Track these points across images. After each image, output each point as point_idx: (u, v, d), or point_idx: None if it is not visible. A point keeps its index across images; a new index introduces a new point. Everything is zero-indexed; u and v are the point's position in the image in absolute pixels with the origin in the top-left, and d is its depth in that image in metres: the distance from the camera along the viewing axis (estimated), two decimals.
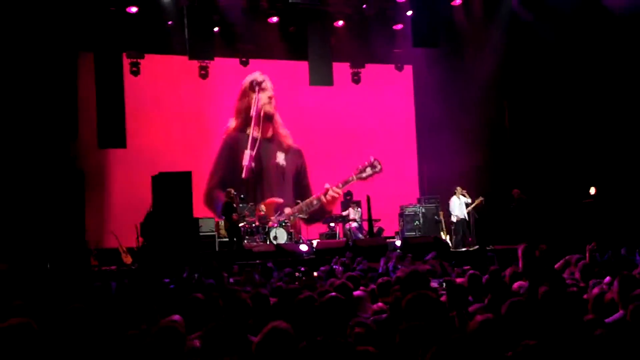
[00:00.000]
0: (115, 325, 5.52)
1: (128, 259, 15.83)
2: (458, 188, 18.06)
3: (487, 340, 4.15)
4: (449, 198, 18.05)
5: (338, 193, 19.28)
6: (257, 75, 20.20)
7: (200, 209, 17.42)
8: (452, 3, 19.03)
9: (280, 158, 20.29)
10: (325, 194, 19.34)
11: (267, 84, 20.38)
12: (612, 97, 17.46)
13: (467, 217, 17.91)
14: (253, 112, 20.09)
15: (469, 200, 17.87)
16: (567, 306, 4.86)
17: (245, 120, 20.07)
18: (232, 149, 19.88)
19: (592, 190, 17.04)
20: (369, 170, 18.41)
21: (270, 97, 20.35)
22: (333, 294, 5.07)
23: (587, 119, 17.82)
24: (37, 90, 15.71)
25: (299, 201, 19.48)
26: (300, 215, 19.06)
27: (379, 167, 18.44)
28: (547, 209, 17.39)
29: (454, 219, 17.96)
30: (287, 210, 19.21)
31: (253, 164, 19.82)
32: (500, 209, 17.90)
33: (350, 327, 4.92)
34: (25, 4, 15.11)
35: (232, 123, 20.00)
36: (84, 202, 16.24)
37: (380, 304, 6.21)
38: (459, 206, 17.94)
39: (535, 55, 18.55)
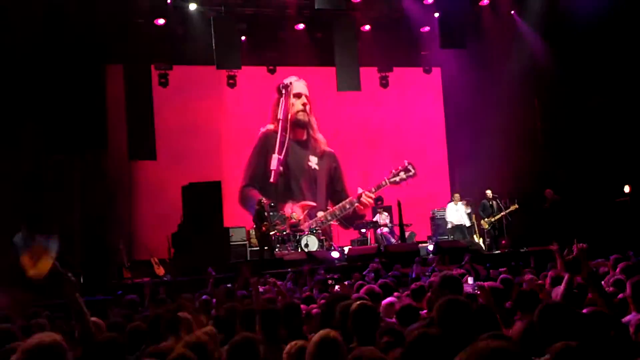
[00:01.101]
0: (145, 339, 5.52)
1: (160, 271, 15.89)
2: (456, 195, 18.26)
3: (529, 346, 4.11)
4: (480, 201, 17.94)
5: (371, 197, 19.11)
6: (291, 78, 20.19)
7: (231, 218, 17.44)
8: (480, 3, 18.92)
9: (313, 162, 20.23)
10: (358, 199, 19.19)
11: (300, 89, 20.30)
12: None
13: (465, 222, 17.99)
14: (280, 116, 20.07)
15: (469, 210, 18.01)
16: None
17: (276, 123, 20.09)
18: (264, 150, 19.88)
19: (627, 189, 16.79)
20: (402, 175, 18.19)
21: (304, 104, 20.29)
22: (362, 301, 5.03)
23: (620, 116, 17.57)
24: (67, 103, 15.82)
25: (328, 204, 19.40)
26: (333, 220, 18.97)
27: (413, 171, 18.19)
28: (580, 208, 17.16)
29: (449, 225, 18.05)
30: (320, 214, 19.13)
31: (281, 168, 19.79)
32: (534, 209, 17.71)
33: (379, 335, 4.87)
34: (54, 17, 15.21)
35: (270, 126, 20.04)
36: (116, 214, 16.37)
37: None
38: (455, 212, 18.05)
39: (565, 52, 18.33)
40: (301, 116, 20.22)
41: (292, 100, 20.18)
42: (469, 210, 17.97)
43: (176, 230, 15.71)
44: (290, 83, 20.11)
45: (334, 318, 5.36)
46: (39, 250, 4.95)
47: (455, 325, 3.91)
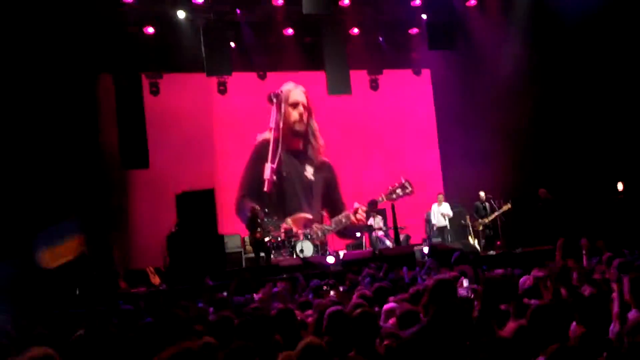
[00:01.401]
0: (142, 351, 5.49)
1: (156, 280, 15.82)
2: (440, 196, 18.56)
3: (522, 347, 4.12)
4: (474, 202, 17.98)
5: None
6: (288, 85, 20.19)
7: (225, 225, 17.39)
8: (467, 4, 18.95)
9: (309, 172, 20.20)
10: (355, 213, 19.08)
11: (297, 97, 20.27)
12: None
13: (444, 224, 18.35)
14: (272, 124, 20.03)
15: (450, 213, 18.28)
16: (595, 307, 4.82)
17: (269, 133, 20.07)
18: (259, 160, 19.84)
19: (620, 186, 16.83)
20: (399, 191, 18.17)
21: (301, 114, 20.25)
22: (363, 308, 5.03)
23: (612, 114, 17.63)
24: (58, 113, 15.79)
25: (323, 212, 19.31)
26: (328, 234, 18.91)
27: (409, 188, 18.17)
28: (574, 207, 17.18)
29: (434, 227, 18.38)
30: (316, 226, 18.97)
31: (274, 177, 19.74)
32: (527, 210, 17.72)
33: (380, 339, 4.87)
34: (44, 27, 15.19)
35: (267, 134, 20.00)
36: (109, 223, 16.32)
37: None
38: (436, 213, 18.39)
39: (557, 52, 18.37)
40: (298, 127, 20.15)
41: (289, 109, 20.12)
42: (449, 214, 18.17)
43: (167, 239, 15.73)
44: (281, 91, 20.06)
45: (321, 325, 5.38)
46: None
47: (450, 330, 3.92)
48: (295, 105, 20.17)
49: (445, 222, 18.26)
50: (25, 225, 14.52)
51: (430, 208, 18.92)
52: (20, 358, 3.48)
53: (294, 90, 20.23)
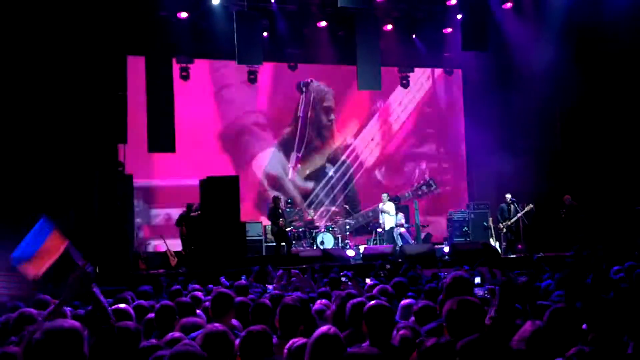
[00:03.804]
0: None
1: (175, 262, 15.94)
2: (384, 195, 18.20)
3: (539, 349, 4.09)
4: (498, 204, 17.88)
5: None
6: (320, 85, 20.40)
7: (247, 213, 17.49)
8: (503, 6, 18.83)
9: (330, 170, 20.33)
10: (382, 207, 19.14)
11: (330, 104, 20.53)
12: None
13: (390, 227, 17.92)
14: (300, 113, 20.14)
15: (383, 210, 17.85)
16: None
17: (296, 122, 20.15)
18: (284, 153, 19.97)
19: None
20: (424, 189, 18.26)
21: (331, 121, 20.46)
22: (377, 300, 5.02)
23: None
24: (88, 94, 15.88)
25: (346, 206, 19.33)
26: (355, 227, 18.93)
27: (434, 186, 18.26)
28: (598, 215, 17.04)
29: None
30: (340, 221, 18.98)
31: (299, 166, 19.85)
32: (551, 215, 17.61)
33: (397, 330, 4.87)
34: (77, 9, 15.29)
35: (289, 128, 20.14)
36: (132, 205, 16.41)
37: None
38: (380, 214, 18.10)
39: (589, 58, 18.20)
40: (325, 120, 20.41)
41: (321, 112, 20.40)
42: (388, 211, 17.95)
43: (181, 220, 15.87)
44: (311, 80, 20.16)
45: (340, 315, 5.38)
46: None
47: (465, 327, 3.90)
48: (328, 110, 20.49)
49: (391, 222, 18.03)
50: (49, 203, 14.66)
51: (451, 208, 18.91)
52: (48, 325, 3.52)
53: (328, 93, 20.53)
